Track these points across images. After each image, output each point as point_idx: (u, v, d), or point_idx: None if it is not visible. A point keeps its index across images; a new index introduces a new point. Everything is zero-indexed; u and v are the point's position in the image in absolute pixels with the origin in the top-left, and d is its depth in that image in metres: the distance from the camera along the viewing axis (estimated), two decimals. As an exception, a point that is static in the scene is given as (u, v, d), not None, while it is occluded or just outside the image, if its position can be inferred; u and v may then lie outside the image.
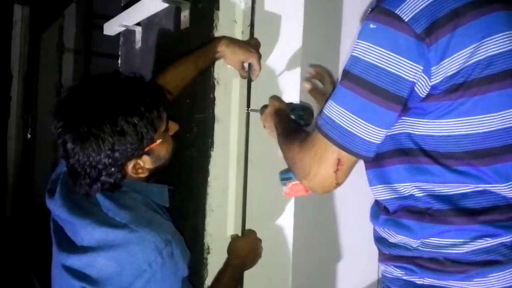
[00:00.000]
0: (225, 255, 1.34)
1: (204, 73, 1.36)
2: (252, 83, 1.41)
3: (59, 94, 4.79)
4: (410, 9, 0.70)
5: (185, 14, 1.48)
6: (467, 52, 0.71)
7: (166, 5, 1.48)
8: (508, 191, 0.76)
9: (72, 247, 0.94)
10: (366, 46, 0.74)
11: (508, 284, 0.75)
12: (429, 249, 0.80)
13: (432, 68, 0.72)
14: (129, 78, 0.99)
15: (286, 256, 1.33)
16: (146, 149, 0.96)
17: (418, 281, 0.82)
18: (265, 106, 1.26)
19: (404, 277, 0.85)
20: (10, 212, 4.99)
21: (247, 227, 1.41)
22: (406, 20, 0.70)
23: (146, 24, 1.76)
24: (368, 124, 0.75)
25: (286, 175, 1.13)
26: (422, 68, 0.72)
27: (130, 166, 0.96)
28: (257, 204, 1.41)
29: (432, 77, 0.72)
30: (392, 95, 0.73)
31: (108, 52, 4.04)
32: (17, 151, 5.06)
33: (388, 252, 0.89)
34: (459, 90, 0.73)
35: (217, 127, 1.38)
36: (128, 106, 0.92)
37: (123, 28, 1.84)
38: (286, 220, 1.38)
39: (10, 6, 5.05)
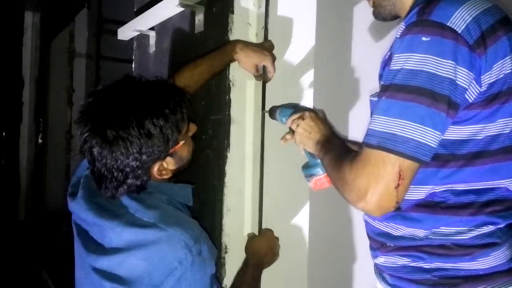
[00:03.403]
0: (243, 255, 1.36)
1: (219, 75, 1.38)
2: (267, 85, 1.43)
3: (70, 99, 4.86)
4: (460, 21, 0.76)
5: (199, 18, 1.50)
6: (500, 64, 0.78)
7: (180, 9, 1.50)
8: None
9: (100, 249, 0.95)
10: (423, 58, 0.75)
11: (503, 261, 0.86)
12: (438, 237, 0.86)
13: (481, 76, 0.77)
14: (152, 82, 1.00)
15: (302, 254, 1.35)
16: (171, 151, 0.98)
17: (426, 265, 0.88)
18: (274, 107, 1.27)
19: (411, 264, 0.90)
20: (23, 216, 5.04)
21: (264, 226, 1.43)
22: (459, 32, 0.75)
23: (160, 28, 1.79)
24: (429, 129, 0.75)
25: (308, 171, 1.15)
26: (473, 76, 0.77)
27: (155, 168, 0.97)
28: (273, 204, 1.43)
29: (481, 85, 0.78)
30: (452, 102, 0.76)
31: (118, 56, 4.09)
32: (29, 156, 5.12)
33: (393, 244, 0.93)
34: (495, 99, 0.79)
35: (233, 129, 1.40)
36: (154, 108, 0.93)
37: (137, 33, 1.87)
38: (302, 219, 1.39)
39: (21, 12, 5.11)
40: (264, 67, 1.37)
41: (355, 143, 1.31)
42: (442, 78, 0.75)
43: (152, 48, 1.87)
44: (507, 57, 0.79)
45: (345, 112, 1.47)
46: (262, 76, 1.41)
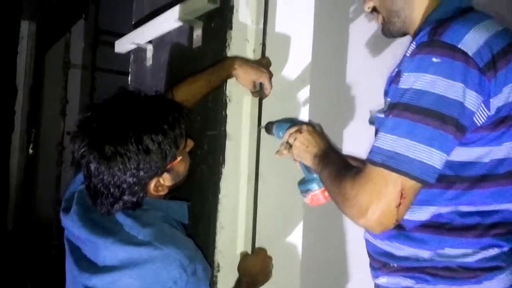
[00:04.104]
0: (235, 273, 1.34)
1: (216, 90, 1.38)
2: (263, 101, 1.43)
3: (64, 110, 4.83)
4: (472, 44, 0.76)
5: (197, 33, 1.50)
6: (510, 88, 0.79)
7: (179, 24, 1.50)
8: None
9: (93, 267, 0.93)
10: (433, 79, 0.75)
11: (507, 285, 0.85)
12: (443, 258, 0.86)
13: (491, 100, 0.78)
14: (151, 96, 0.99)
15: (295, 274, 1.33)
16: (168, 166, 0.97)
17: None
18: (270, 123, 1.27)
19: (415, 286, 0.89)
20: (11, 226, 4.96)
21: (257, 244, 1.41)
22: (470, 55, 0.75)
23: (158, 42, 1.79)
24: (436, 151, 0.75)
25: (304, 187, 1.14)
26: (482, 99, 0.77)
27: (152, 184, 0.96)
28: (267, 222, 1.42)
29: (490, 108, 0.78)
30: (460, 125, 0.76)
31: (114, 68, 4.09)
32: (20, 166, 5.06)
33: (397, 265, 0.92)
34: (503, 123, 0.80)
35: (228, 144, 1.39)
36: (152, 124, 0.92)
37: (134, 46, 1.86)
38: (296, 238, 1.38)
39: (17, 21, 5.11)
40: (261, 83, 1.37)
41: (352, 158, 1.30)
42: (451, 100, 0.75)
43: (149, 62, 1.86)
44: None
45: (341, 127, 1.47)
46: (259, 93, 1.40)
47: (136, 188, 0.92)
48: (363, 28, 1.51)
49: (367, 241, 1.03)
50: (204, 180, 1.43)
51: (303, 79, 1.48)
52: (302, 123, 1.24)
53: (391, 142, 0.77)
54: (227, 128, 1.38)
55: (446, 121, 0.75)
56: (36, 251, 4.22)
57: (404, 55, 0.87)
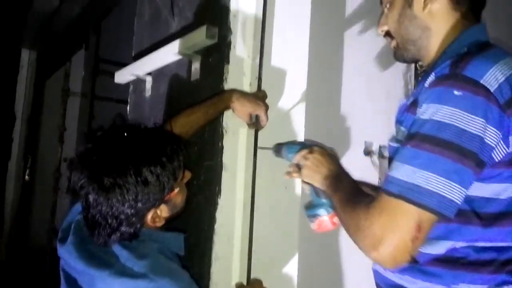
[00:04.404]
0: (230, 304, 1.34)
1: (213, 122, 1.41)
2: (259, 132, 1.46)
3: (62, 137, 4.85)
4: (493, 80, 0.76)
5: (196, 67, 1.55)
6: None
7: (178, 57, 1.55)
8: None
9: None
10: (454, 112, 0.75)
11: None
12: None
13: (510, 136, 0.77)
14: (150, 128, 1.02)
15: (291, 305, 1.33)
16: (166, 198, 0.98)
17: None
18: (279, 144, 1.26)
19: None
20: (4, 256, 4.90)
21: (253, 275, 1.41)
22: (492, 91, 0.75)
23: (157, 74, 1.83)
24: (455, 185, 0.74)
25: (312, 211, 1.11)
26: (501, 135, 0.76)
27: (149, 215, 0.97)
28: (262, 252, 1.42)
29: (509, 145, 0.77)
30: (479, 159, 0.75)
31: (113, 96, 4.14)
32: (15, 193, 5.04)
33: None
34: None
35: (225, 175, 1.42)
36: (151, 156, 0.93)
37: (134, 77, 1.91)
38: (291, 269, 1.38)
39: (18, 50, 5.18)
40: (257, 115, 1.40)
41: (365, 184, 1.28)
42: (471, 134, 0.74)
43: (148, 93, 1.90)
44: None
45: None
46: (255, 124, 1.44)
47: (133, 219, 0.93)
48: (357, 60, 1.56)
49: (375, 272, 1.00)
50: (200, 210, 1.44)
51: (298, 111, 1.52)
52: (313, 145, 1.21)
53: (410, 173, 0.75)
54: (223, 159, 1.40)
55: (466, 155, 0.74)
56: (29, 280, 4.15)
57: (420, 85, 0.88)
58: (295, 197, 1.54)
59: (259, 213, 1.43)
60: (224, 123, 1.43)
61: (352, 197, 0.89)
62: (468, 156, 0.74)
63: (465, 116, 0.74)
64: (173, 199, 1.00)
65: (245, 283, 1.41)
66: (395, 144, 0.94)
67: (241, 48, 1.45)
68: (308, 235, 1.56)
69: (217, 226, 1.37)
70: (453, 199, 0.74)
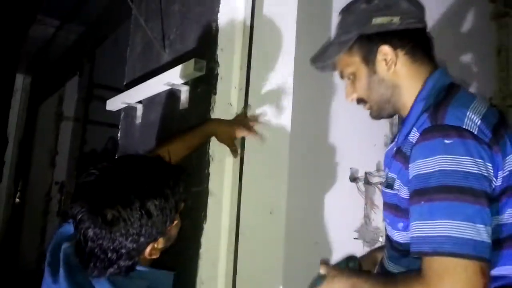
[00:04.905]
0: (214, 328, 1.37)
1: (198, 149, 1.47)
2: (244, 159, 1.52)
3: (53, 161, 4.88)
4: (472, 124, 0.81)
5: (184, 96, 1.62)
6: (508, 160, 0.84)
7: (167, 87, 1.62)
8: None
9: None
10: (453, 159, 0.78)
11: None
12: None
13: (499, 172, 0.82)
14: (150, 160, 1.00)
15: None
16: (166, 231, 0.96)
17: None
18: (320, 277, 1.12)
19: None
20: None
21: (237, 299, 1.44)
22: (475, 133, 0.80)
23: (147, 102, 1.90)
24: (481, 226, 0.76)
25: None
26: (494, 170, 0.81)
27: (148, 248, 0.94)
28: (247, 277, 1.46)
29: (498, 178, 0.82)
30: (489, 196, 0.79)
31: (105, 120, 4.21)
32: (5, 216, 5.03)
33: None
34: (504, 194, 0.83)
35: (210, 201, 1.46)
36: (154, 189, 0.91)
37: (125, 105, 1.97)
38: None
39: (12, 74, 5.25)
40: (243, 138, 1.45)
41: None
42: (476, 175, 0.77)
43: (138, 120, 1.96)
44: (510, 155, 0.84)
45: (321, 184, 1.54)
46: (239, 151, 1.49)
47: (133, 253, 0.91)
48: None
49: None
50: (186, 235, 1.49)
51: (284, 139, 1.58)
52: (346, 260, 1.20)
53: (436, 228, 0.76)
54: (209, 185, 1.45)
55: (479, 195, 0.77)
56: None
57: (402, 135, 0.94)
58: (280, 222, 1.59)
59: (244, 238, 1.48)
60: (210, 151, 1.49)
61: (387, 285, 0.87)
62: (481, 196, 0.77)
63: (464, 160, 0.77)
64: (170, 231, 0.99)
65: (229, 308, 1.43)
66: (387, 190, 0.97)
67: (228, 79, 1.52)
68: (293, 261, 1.60)
69: (202, 251, 1.41)
70: (484, 240, 0.76)
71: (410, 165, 0.84)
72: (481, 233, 0.75)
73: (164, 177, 0.96)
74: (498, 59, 2.01)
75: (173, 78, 1.56)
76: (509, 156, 0.84)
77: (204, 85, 1.54)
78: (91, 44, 3.87)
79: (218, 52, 1.51)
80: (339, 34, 1.00)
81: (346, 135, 1.64)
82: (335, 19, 1.80)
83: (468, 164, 0.77)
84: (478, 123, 0.81)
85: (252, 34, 1.58)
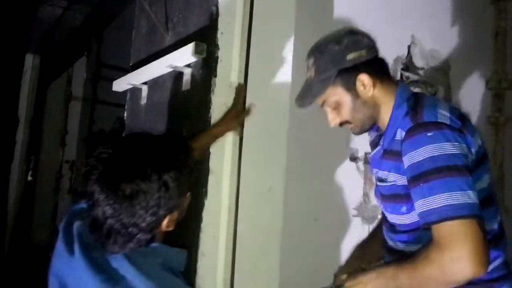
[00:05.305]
0: (214, 297, 1.47)
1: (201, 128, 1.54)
2: (243, 139, 1.59)
3: (63, 140, 4.99)
4: (444, 117, 1.03)
5: (186, 78, 1.68)
6: (475, 138, 1.07)
7: (170, 69, 1.68)
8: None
9: None
10: (437, 146, 0.99)
11: None
12: None
13: (472, 149, 1.04)
14: (159, 136, 1.03)
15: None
16: (181, 203, 0.99)
17: None
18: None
19: None
20: (8, 252, 5.02)
21: (237, 270, 1.53)
22: (449, 123, 1.02)
23: (152, 83, 1.97)
24: (470, 191, 0.96)
25: None
26: (468, 148, 1.03)
27: (165, 221, 0.96)
28: (246, 250, 1.55)
29: (473, 153, 1.04)
30: (469, 168, 1.00)
31: (113, 100, 4.29)
32: (18, 194, 5.17)
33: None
34: (480, 162, 1.06)
35: (211, 178, 1.54)
36: (168, 161, 0.94)
37: (131, 86, 2.04)
38: (273, 264, 1.50)
39: (21, 55, 5.31)
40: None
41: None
42: (457, 154, 0.98)
43: (143, 100, 2.04)
44: (476, 136, 1.08)
45: (322, 161, 1.61)
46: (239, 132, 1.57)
47: (153, 225, 0.93)
48: None
49: None
50: (188, 210, 1.57)
51: (283, 119, 1.65)
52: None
53: (438, 200, 0.95)
54: (210, 164, 1.53)
55: (462, 169, 0.97)
56: (30, 276, 4.27)
57: (387, 138, 1.13)
58: (278, 198, 1.67)
59: (243, 213, 1.56)
60: (211, 131, 1.55)
61: (405, 264, 1.03)
62: (464, 169, 0.98)
63: (445, 145, 0.99)
64: (184, 203, 1.01)
65: (228, 279, 1.53)
66: (383, 184, 1.16)
67: (228, 62, 1.58)
68: (291, 236, 1.68)
69: (203, 225, 1.50)
70: (477, 203, 0.96)
71: (403, 158, 1.04)
72: (471, 197, 0.95)
73: (175, 150, 0.98)
74: (495, 43, 2.04)
75: (175, 60, 1.62)
76: (474, 135, 1.07)
77: (205, 68, 1.60)
78: (98, 25, 3.91)
79: (219, 35, 1.57)
80: (317, 72, 1.16)
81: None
82: (335, 1, 1.85)
83: (449, 148, 0.99)
84: (449, 116, 1.04)
85: (251, 18, 1.63)
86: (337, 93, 1.14)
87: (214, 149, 1.56)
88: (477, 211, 0.94)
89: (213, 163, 1.55)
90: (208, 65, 1.58)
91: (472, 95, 2.30)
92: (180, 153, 1.00)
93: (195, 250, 1.49)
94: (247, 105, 1.59)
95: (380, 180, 1.18)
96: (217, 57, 1.56)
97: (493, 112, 2.04)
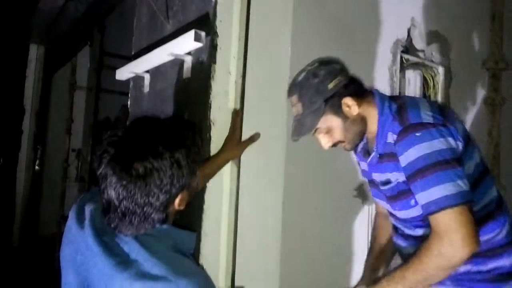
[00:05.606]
0: (217, 275, 1.53)
1: (200, 110, 1.58)
2: (243, 128, 1.62)
3: (69, 129, 5.06)
4: (428, 116, 1.16)
5: (187, 66, 1.72)
6: (458, 126, 1.19)
7: (171, 57, 1.73)
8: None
9: None
10: (426, 144, 1.11)
11: None
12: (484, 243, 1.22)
13: (456, 141, 1.15)
14: (168, 118, 1.08)
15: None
16: (192, 181, 1.00)
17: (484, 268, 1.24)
18: None
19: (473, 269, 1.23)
20: (17, 242, 5.13)
21: (238, 250, 1.59)
22: (432, 122, 1.14)
23: (154, 71, 2.01)
24: (460, 181, 1.08)
25: None
26: (455, 137, 1.15)
27: (177, 199, 0.98)
28: (247, 231, 1.61)
29: (460, 140, 1.16)
30: (459, 159, 1.13)
31: (117, 89, 4.34)
32: (26, 183, 5.26)
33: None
34: (468, 144, 1.20)
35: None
36: (178, 140, 0.96)
37: (133, 75, 2.09)
38: (275, 243, 1.56)
39: (26, 45, 5.36)
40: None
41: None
42: (445, 149, 1.11)
43: (146, 89, 2.08)
44: (457, 123, 1.21)
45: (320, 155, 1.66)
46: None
47: (166, 203, 0.94)
48: (340, 55, 1.72)
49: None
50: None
51: (281, 105, 1.70)
52: None
53: (435, 192, 1.07)
54: (211, 148, 1.58)
55: (452, 162, 1.10)
56: (40, 266, 4.37)
57: (379, 143, 1.24)
58: (278, 181, 1.73)
59: (244, 196, 1.62)
60: (211, 117, 1.60)
61: (409, 264, 1.14)
62: (453, 162, 1.10)
63: (433, 143, 1.10)
64: (194, 182, 1.02)
65: (231, 259, 1.58)
66: (386, 187, 1.27)
67: (227, 49, 1.62)
68: (290, 215, 1.74)
69: (205, 207, 1.55)
70: (467, 190, 1.09)
71: (399, 157, 1.16)
72: (462, 185, 1.08)
73: (183, 129, 1.01)
74: (492, 25, 2.06)
75: (175, 48, 1.66)
76: (455, 123, 1.19)
77: (205, 55, 1.64)
78: (100, 14, 3.95)
79: (217, 23, 1.60)
80: (305, 107, 1.25)
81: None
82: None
83: (437, 144, 1.10)
84: (431, 114, 1.16)
85: (249, 5, 1.66)
86: (328, 120, 1.25)
87: (214, 134, 1.60)
88: (468, 197, 1.07)
89: (214, 148, 1.60)
90: (207, 52, 1.62)
91: (470, 76, 2.34)
92: (188, 131, 1.02)
93: (198, 230, 1.55)
94: (249, 130, 1.63)
95: (384, 183, 1.28)
96: (216, 45, 1.60)
97: (489, 92, 2.08)
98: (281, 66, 1.71)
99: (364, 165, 1.39)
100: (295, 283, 1.75)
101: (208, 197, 1.57)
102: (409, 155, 1.12)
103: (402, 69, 2.30)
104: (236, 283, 1.61)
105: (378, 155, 1.27)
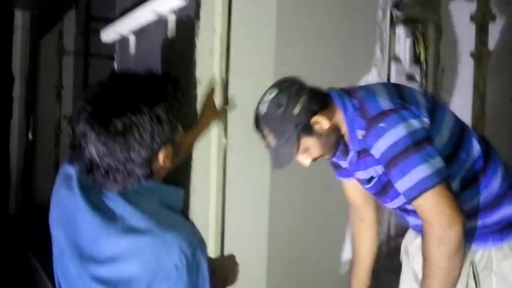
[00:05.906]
0: (206, 233, 1.58)
1: (186, 74, 1.59)
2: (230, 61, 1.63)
3: (59, 95, 5.02)
4: (387, 103, 1.16)
5: (171, 25, 1.71)
6: (420, 101, 1.21)
7: (155, 16, 1.71)
8: None
9: (95, 258, 0.92)
10: (393, 132, 1.11)
11: None
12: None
13: (422, 117, 1.16)
14: (147, 72, 1.01)
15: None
16: (175, 137, 0.98)
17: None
18: None
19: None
20: (14, 210, 5.18)
21: (227, 205, 1.63)
22: (392, 108, 1.15)
23: (139, 32, 2.00)
24: (435, 160, 1.10)
25: None
26: (418, 116, 1.16)
27: (161, 155, 0.96)
28: (236, 186, 1.64)
29: (424, 117, 1.17)
30: (429, 139, 1.13)
31: (106, 53, 4.28)
32: (20, 151, 5.25)
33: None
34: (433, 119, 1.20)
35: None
36: (158, 95, 0.94)
37: (119, 36, 2.07)
38: (263, 198, 1.60)
39: (11, 12, 5.23)
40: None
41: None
42: (412, 132, 1.11)
43: (132, 50, 2.07)
44: (417, 97, 1.23)
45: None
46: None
47: (149, 159, 0.93)
48: (331, 19, 1.69)
49: None
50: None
51: (269, 61, 1.69)
52: None
53: (412, 178, 1.08)
54: (197, 107, 1.59)
55: (423, 142, 1.11)
56: (37, 232, 4.43)
57: (353, 141, 1.24)
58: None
59: (231, 153, 1.64)
60: (197, 76, 1.61)
61: (425, 277, 1.13)
62: (423, 143, 1.11)
63: (397, 129, 1.11)
64: (177, 139, 1.00)
65: (220, 214, 1.62)
66: (371, 184, 1.28)
67: (211, 5, 1.61)
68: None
69: (193, 163, 1.58)
70: (442, 166, 1.10)
71: (372, 152, 1.17)
72: (437, 164, 1.09)
73: (163, 84, 0.98)
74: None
75: (159, 6, 1.65)
76: (413, 99, 1.20)
77: (188, 12, 1.63)
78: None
79: (201, -21, 1.58)
80: (278, 138, 1.24)
81: (332, 56, 1.74)
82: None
83: (401, 130, 1.11)
84: (389, 99, 1.17)
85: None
86: (303, 143, 1.24)
87: (200, 93, 1.61)
88: (444, 173, 1.09)
89: (200, 106, 1.61)
90: (191, 9, 1.61)
91: (459, 30, 2.33)
92: (168, 85, 0.99)
93: (187, 186, 1.58)
94: (235, 90, 1.62)
95: (368, 181, 1.29)
96: (200, 1, 1.58)
97: (476, 45, 2.08)
98: (267, 20, 1.70)
99: (344, 164, 1.37)
100: (284, 238, 1.80)
101: (196, 153, 1.59)
102: (379, 147, 1.13)
103: (392, 25, 2.28)
104: (226, 239, 1.66)
105: (356, 153, 1.26)
